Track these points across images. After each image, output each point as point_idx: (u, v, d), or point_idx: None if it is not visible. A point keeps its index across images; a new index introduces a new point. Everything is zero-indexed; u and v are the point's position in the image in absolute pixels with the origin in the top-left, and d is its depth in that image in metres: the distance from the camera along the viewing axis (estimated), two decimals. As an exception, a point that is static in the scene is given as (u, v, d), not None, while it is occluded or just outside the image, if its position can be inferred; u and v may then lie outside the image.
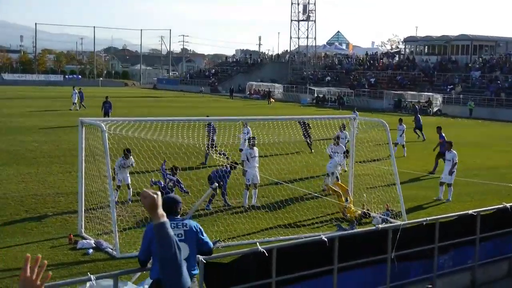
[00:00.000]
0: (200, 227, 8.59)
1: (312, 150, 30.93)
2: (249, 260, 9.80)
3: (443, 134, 27.43)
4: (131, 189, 19.87)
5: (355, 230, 14.59)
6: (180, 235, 8.25)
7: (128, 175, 20.14)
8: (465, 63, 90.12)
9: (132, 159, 20.31)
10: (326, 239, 10.41)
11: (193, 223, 8.55)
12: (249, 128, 28.30)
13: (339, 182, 20.89)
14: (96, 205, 17.21)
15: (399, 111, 76.65)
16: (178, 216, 8.62)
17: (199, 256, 9.06)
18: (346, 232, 13.02)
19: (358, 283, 11.17)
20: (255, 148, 21.28)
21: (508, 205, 13.57)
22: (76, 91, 59.30)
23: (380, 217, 18.39)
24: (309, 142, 30.84)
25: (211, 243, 8.59)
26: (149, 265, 8.51)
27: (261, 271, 9.86)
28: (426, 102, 76.20)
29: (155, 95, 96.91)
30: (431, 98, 76.74)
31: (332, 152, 23.18)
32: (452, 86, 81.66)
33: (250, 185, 20.56)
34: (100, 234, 15.96)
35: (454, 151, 22.25)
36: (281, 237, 16.17)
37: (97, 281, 8.11)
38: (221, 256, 9.85)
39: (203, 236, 8.47)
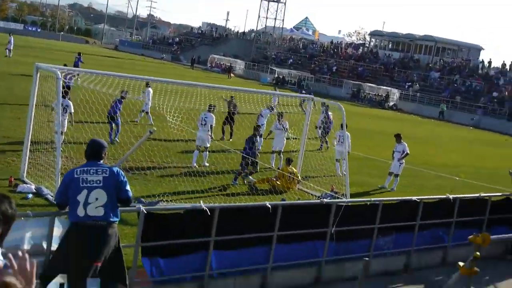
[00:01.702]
0: (123, 174, 8.31)
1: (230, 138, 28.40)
2: (189, 217, 9.74)
3: (405, 144, 22.72)
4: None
5: (299, 201, 14.65)
6: (98, 182, 8.06)
7: (66, 120, 20.08)
8: (426, 62, 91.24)
9: (70, 102, 20.32)
10: (269, 206, 10.42)
11: (114, 169, 8.28)
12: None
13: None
14: (42, 152, 16.88)
15: (356, 101, 77.31)
16: (101, 162, 8.37)
17: (140, 206, 8.96)
18: (289, 202, 13.03)
19: (295, 255, 11.21)
20: (210, 114, 21.71)
21: (451, 196, 13.79)
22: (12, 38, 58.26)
23: (323, 196, 18.49)
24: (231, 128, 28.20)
25: (130, 193, 8.32)
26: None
27: (201, 229, 9.81)
28: (384, 96, 76.92)
29: (116, 56, 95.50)
30: (388, 92, 77.50)
31: (277, 129, 23.44)
32: (410, 83, 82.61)
33: (200, 146, 21.15)
34: (43, 181, 15.66)
35: (404, 143, 22.46)
36: (225, 205, 16.09)
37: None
38: (163, 209, 9.79)
39: (123, 183, 8.21)
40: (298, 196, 18.30)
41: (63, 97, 19.52)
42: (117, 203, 8.20)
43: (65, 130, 19.84)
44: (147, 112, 28.04)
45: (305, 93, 54.98)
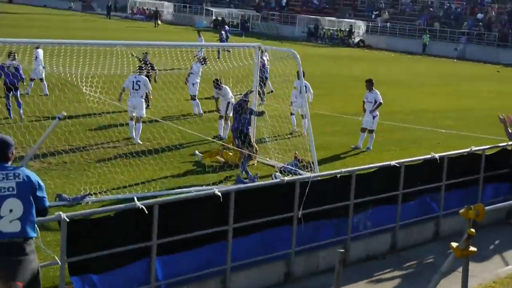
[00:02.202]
0: (38, 179, 8.19)
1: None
2: (124, 219, 9.72)
3: (377, 92, 22.88)
4: None
5: (255, 183, 14.72)
6: (10, 189, 7.90)
7: None
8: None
9: None
10: (220, 194, 10.45)
11: (28, 172, 8.15)
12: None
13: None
14: None
15: (314, 41, 77.53)
16: (9, 163, 8.22)
17: (61, 213, 8.90)
18: (244, 185, 13.10)
19: (257, 248, 11.31)
20: (142, 76, 22.18)
21: (437, 155, 14.02)
22: None
23: (285, 167, 18.62)
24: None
25: (47, 201, 8.22)
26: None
27: (139, 232, 9.81)
28: (347, 31, 77.25)
29: (11, 11, 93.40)
30: (352, 26, 77.86)
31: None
32: (377, 12, 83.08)
33: (133, 117, 21.43)
34: None
35: (376, 91, 22.61)
36: (166, 191, 16.12)
37: None
38: (89, 213, 9.73)
39: (40, 189, 8.10)
40: (256, 172, 18.36)
41: None
42: (34, 214, 8.08)
43: None
44: (41, 79, 27.80)
45: (224, 34, 55.81)
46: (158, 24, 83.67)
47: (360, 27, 78.23)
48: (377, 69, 49.22)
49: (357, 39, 76.70)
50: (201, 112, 26.25)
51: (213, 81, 22.71)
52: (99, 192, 15.81)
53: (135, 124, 21.50)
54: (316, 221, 12.02)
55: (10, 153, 8.24)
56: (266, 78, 28.24)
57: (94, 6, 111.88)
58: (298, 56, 19.35)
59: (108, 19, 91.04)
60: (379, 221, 13.20)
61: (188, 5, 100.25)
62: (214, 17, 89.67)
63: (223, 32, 50.87)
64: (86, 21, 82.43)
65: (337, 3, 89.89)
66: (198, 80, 27.11)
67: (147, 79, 22.57)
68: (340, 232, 12.49)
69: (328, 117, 26.57)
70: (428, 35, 72.45)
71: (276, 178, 16.83)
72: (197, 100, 26.55)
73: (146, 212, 9.58)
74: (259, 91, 27.20)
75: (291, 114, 23.87)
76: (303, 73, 21.51)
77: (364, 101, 22.79)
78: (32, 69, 27.10)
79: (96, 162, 18.48)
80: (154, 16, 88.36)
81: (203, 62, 27.83)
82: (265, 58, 27.96)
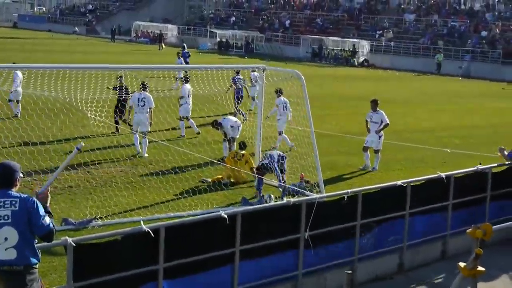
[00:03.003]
0: (37, 204, 8.11)
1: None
2: (131, 243, 9.71)
3: (382, 112, 22.81)
4: None
5: (263, 205, 14.69)
6: (5, 217, 7.93)
7: None
8: (397, 4, 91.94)
9: None
10: (226, 216, 10.45)
11: (26, 198, 8.11)
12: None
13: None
14: None
15: (319, 61, 77.71)
16: (13, 190, 8.20)
17: (67, 238, 8.89)
18: (251, 207, 13.09)
19: (265, 270, 11.29)
20: (147, 93, 23.07)
21: (443, 174, 14.02)
22: None
23: (291, 188, 18.61)
24: None
25: (49, 225, 8.09)
26: None
27: (146, 256, 9.80)
28: (350, 51, 77.35)
29: (16, 36, 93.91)
30: (356, 45, 78.02)
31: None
32: (381, 31, 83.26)
33: (138, 132, 22.36)
34: None
35: (382, 111, 22.58)
36: (172, 214, 16.11)
37: None
38: (95, 237, 9.72)
39: (36, 216, 8.01)
40: (269, 193, 18.33)
41: None
42: (34, 241, 8.09)
43: None
44: (18, 101, 28.21)
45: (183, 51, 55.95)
46: (162, 47, 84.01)
47: (364, 46, 78.34)
48: (382, 88, 49.28)
49: (361, 59, 76.81)
50: (197, 130, 26.56)
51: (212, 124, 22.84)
52: (105, 216, 15.81)
53: (140, 139, 22.26)
54: (323, 242, 11.99)
55: (15, 179, 8.26)
56: (242, 97, 29.67)
57: (99, 30, 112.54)
58: (302, 76, 19.40)
59: (113, 42, 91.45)
60: (386, 241, 13.17)
61: (192, 28, 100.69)
62: (218, 39, 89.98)
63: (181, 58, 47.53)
64: (92, 45, 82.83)
65: (341, 23, 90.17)
66: (189, 101, 26.89)
67: (150, 96, 23.06)
68: (347, 253, 12.46)
69: (333, 137, 26.56)
70: (442, 54, 71.64)
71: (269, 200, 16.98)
72: (191, 120, 26.66)
73: (153, 235, 9.58)
74: (236, 110, 27.64)
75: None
76: (281, 90, 22.06)
77: (367, 121, 22.74)
78: (8, 92, 27.25)
79: (101, 186, 18.48)
80: (158, 39, 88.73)
81: (185, 81, 27.93)
82: (240, 77, 29.86)
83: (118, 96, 24.18)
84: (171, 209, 16.64)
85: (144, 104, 22.63)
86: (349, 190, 12.78)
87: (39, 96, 21.22)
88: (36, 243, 8.23)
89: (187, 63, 50.96)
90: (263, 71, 20.82)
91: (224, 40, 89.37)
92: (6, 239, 7.85)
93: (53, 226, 8.20)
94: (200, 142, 24.14)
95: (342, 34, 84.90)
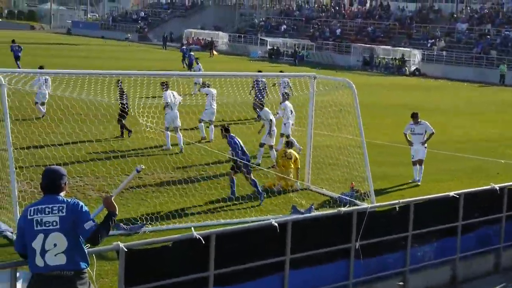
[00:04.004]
0: (82, 208, 8.14)
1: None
2: (181, 249, 9.76)
3: (426, 122, 22.50)
4: None
5: (312, 214, 14.67)
6: (54, 223, 7.96)
7: None
8: (449, 13, 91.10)
9: None
10: (276, 224, 10.43)
11: (73, 203, 8.15)
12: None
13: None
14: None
15: (369, 69, 77.32)
16: (62, 194, 8.25)
17: (119, 243, 8.96)
18: (302, 216, 13.06)
19: (314, 279, 11.25)
20: (175, 92, 24.70)
21: (497, 186, 13.82)
22: None
23: (341, 197, 18.56)
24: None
25: (92, 230, 8.06)
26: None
27: (196, 263, 9.83)
28: (401, 60, 76.80)
29: (70, 42, 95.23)
30: (405, 54, 77.37)
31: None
32: (433, 40, 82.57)
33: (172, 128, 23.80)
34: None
35: (424, 121, 22.18)
36: (222, 221, 16.15)
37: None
38: (146, 243, 9.78)
39: (82, 221, 8.04)
40: (312, 202, 18.29)
41: None
42: (83, 246, 8.16)
43: None
44: (43, 103, 28.53)
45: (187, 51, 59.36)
46: (213, 54, 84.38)
47: (416, 55, 77.69)
48: (433, 98, 48.86)
49: (412, 68, 76.21)
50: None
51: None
52: (156, 222, 15.92)
53: (175, 134, 23.68)
54: (374, 252, 11.91)
55: (62, 184, 8.32)
56: (263, 101, 29.11)
57: (151, 37, 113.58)
58: (353, 85, 19.34)
59: (164, 49, 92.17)
60: (438, 252, 13.03)
61: (243, 35, 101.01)
62: (268, 47, 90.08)
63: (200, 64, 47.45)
64: (143, 52, 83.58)
65: (392, 31, 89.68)
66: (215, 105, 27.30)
67: (176, 92, 24.87)
68: (399, 263, 12.35)
69: (384, 147, 26.38)
70: (505, 65, 69.58)
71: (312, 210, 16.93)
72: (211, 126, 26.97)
73: (203, 242, 9.60)
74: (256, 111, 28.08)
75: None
76: (288, 94, 24.04)
77: (406, 134, 22.36)
78: (35, 93, 27.67)
79: (153, 191, 18.62)
80: (209, 46, 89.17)
81: (207, 86, 28.28)
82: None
83: (119, 101, 24.24)
84: (222, 216, 16.69)
85: (176, 99, 24.20)
86: (400, 200, 12.68)
87: (92, 102, 21.44)
88: (88, 248, 8.32)
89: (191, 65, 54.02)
90: (314, 79, 20.79)
91: (275, 47, 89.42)
92: (55, 245, 7.91)
93: (99, 230, 8.14)
94: (250, 150, 24.15)
95: (393, 43, 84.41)
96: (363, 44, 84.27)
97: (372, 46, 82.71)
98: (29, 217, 8.02)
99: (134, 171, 9.06)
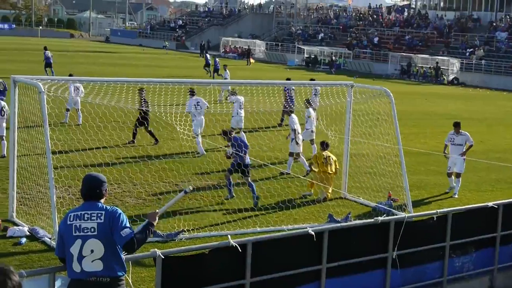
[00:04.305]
0: (120, 215, 8.19)
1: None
2: (218, 256, 9.77)
3: (466, 133, 21.91)
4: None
5: (349, 223, 14.63)
6: (92, 230, 8.05)
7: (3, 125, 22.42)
8: (489, 21, 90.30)
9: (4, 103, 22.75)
10: (313, 233, 10.42)
11: (111, 210, 8.24)
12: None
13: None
14: (33, 183, 17.04)
15: (407, 78, 76.90)
16: (102, 201, 8.34)
17: (156, 250, 9.01)
18: (338, 224, 13.03)
19: (351, 288, 11.21)
20: (200, 98, 25.73)
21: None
22: None
23: (380, 206, 18.48)
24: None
25: (129, 237, 8.09)
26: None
27: (232, 271, 9.85)
28: (437, 69, 76.15)
29: (108, 50, 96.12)
30: (443, 63, 76.72)
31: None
32: (472, 49, 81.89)
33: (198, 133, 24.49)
34: (36, 220, 15.83)
35: (466, 132, 21.88)
36: (258, 229, 16.16)
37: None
38: (183, 250, 9.81)
39: (118, 227, 8.09)
40: (349, 211, 18.22)
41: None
42: (120, 253, 8.23)
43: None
44: (77, 109, 28.84)
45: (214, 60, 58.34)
46: (250, 62, 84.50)
47: (454, 64, 77.11)
48: (472, 107, 48.45)
49: (451, 77, 75.66)
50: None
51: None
52: (193, 229, 15.98)
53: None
54: (411, 262, 11.84)
55: (103, 191, 8.41)
56: (292, 107, 29.56)
57: (188, 45, 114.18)
58: (391, 94, 19.27)
59: (201, 57, 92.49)
60: (477, 263, 12.91)
61: (280, 44, 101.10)
62: (306, 55, 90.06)
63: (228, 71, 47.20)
64: (181, 60, 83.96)
65: (430, 40, 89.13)
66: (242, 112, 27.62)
67: (202, 98, 25.67)
68: (436, 273, 12.26)
69: (421, 156, 26.22)
70: None
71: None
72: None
73: (240, 250, 9.62)
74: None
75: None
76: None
77: (446, 144, 21.99)
78: (67, 99, 27.77)
79: (189, 199, 18.68)
80: (246, 54, 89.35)
81: (235, 93, 28.55)
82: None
83: (139, 109, 24.33)
84: (259, 224, 16.70)
85: (201, 107, 24.87)
86: (438, 210, 12.60)
87: (130, 110, 21.63)
88: (125, 254, 8.38)
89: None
90: (351, 88, 20.76)
91: (312, 55, 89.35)
92: (92, 251, 7.99)
93: (135, 238, 8.16)
94: (286, 158, 24.15)
95: (431, 52, 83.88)
96: (401, 53, 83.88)
97: (410, 54, 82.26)
98: (68, 222, 8.12)
99: (182, 192, 9.08)
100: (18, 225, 15.58)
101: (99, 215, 8.13)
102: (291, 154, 22.78)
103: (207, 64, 61.84)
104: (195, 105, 24.87)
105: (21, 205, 16.60)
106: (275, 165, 22.45)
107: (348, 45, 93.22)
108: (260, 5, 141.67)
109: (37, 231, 15.11)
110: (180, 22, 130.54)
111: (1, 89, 27.26)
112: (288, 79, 35.02)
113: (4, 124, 22.45)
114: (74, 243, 8.01)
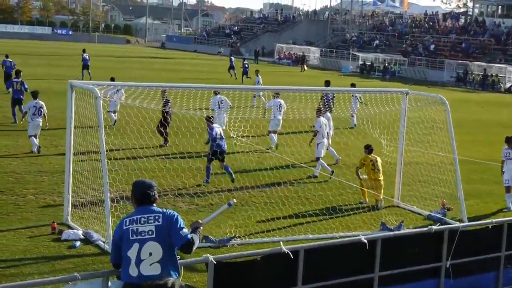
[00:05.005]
0: (178, 217, 8.31)
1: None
2: (270, 263, 9.77)
3: None
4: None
5: (402, 231, 14.51)
6: (150, 232, 8.11)
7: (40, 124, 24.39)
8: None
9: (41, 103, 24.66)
10: (366, 241, 10.35)
11: (169, 213, 8.33)
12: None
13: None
14: (87, 187, 17.24)
15: (463, 86, 76.06)
16: (155, 205, 8.44)
17: (208, 256, 9.04)
18: (391, 232, 12.93)
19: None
20: (223, 96, 27.00)
21: None
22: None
23: (434, 215, 18.31)
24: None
25: (187, 237, 8.19)
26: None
27: (284, 278, 9.83)
28: (497, 77, 75.14)
29: (163, 56, 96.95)
30: (502, 71, 75.72)
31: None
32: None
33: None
34: (90, 224, 16.01)
35: None
36: (310, 236, 16.11)
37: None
38: (235, 256, 9.83)
39: (177, 227, 8.18)
40: (402, 219, 18.06)
41: (35, 97, 24.87)
42: (176, 257, 8.28)
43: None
44: (115, 112, 29.82)
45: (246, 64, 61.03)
46: (304, 68, 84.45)
47: (511, 72, 76.09)
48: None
49: (508, 85, 74.61)
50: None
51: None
52: (245, 235, 15.99)
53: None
54: (465, 272, 11.69)
55: (155, 196, 8.50)
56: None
57: (243, 51, 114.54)
58: (446, 101, 19.08)
59: (256, 63, 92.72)
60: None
61: (334, 50, 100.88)
62: (360, 62, 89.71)
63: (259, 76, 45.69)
64: (235, 65, 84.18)
65: (487, 47, 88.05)
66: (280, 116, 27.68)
67: (226, 98, 27.21)
68: (490, 284, 12.09)
69: (476, 164, 25.90)
70: None
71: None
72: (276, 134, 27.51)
73: (292, 256, 9.60)
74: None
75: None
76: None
77: (503, 160, 20.93)
78: (108, 102, 28.31)
79: (242, 205, 18.70)
80: (300, 61, 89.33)
81: (277, 96, 28.64)
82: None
83: (162, 109, 24.43)
84: (310, 231, 16.64)
85: (224, 106, 26.57)
86: (493, 220, 12.42)
87: (184, 115, 21.76)
88: (178, 259, 8.43)
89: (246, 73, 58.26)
90: (406, 95, 20.59)
91: (367, 63, 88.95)
92: (150, 254, 8.04)
93: (192, 239, 8.26)
94: (339, 165, 24.05)
95: (488, 59, 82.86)
96: (457, 60, 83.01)
97: (466, 62, 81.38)
98: (124, 227, 8.21)
99: (225, 204, 9.12)
100: (73, 229, 15.76)
101: (157, 217, 8.20)
102: (317, 158, 22.91)
103: (231, 67, 63.69)
104: (218, 102, 26.66)
105: (75, 208, 16.80)
106: (329, 171, 22.35)
107: (403, 52, 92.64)
108: (315, 11, 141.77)
109: (91, 234, 15.28)
110: (235, 28, 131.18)
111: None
112: (327, 82, 35.05)
113: (41, 124, 24.52)
114: (131, 247, 8.08)
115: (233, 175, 20.58)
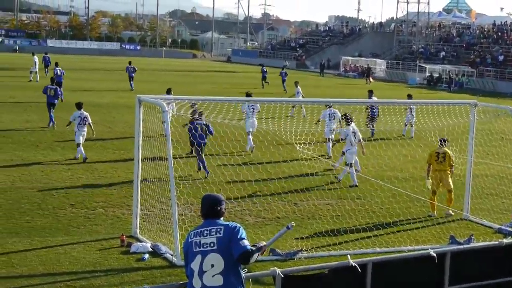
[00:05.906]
0: (239, 228, 8.32)
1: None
2: (337, 276, 9.74)
3: None
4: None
5: (472, 245, 14.30)
6: (212, 244, 8.17)
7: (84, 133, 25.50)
8: None
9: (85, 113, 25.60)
10: (435, 254, 10.25)
11: (231, 225, 8.35)
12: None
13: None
14: (155, 200, 17.44)
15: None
16: (221, 219, 8.47)
17: (276, 269, 9.05)
18: (461, 246, 12.76)
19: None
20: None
21: None
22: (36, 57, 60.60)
23: (504, 229, 18.02)
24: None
25: (246, 247, 8.15)
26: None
27: (352, 291, 9.80)
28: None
29: (229, 70, 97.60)
30: None
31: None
32: None
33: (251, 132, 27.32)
34: (158, 237, 16.17)
35: None
36: (378, 249, 15.99)
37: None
38: (302, 269, 9.83)
39: (236, 237, 8.18)
40: (472, 232, 17.80)
41: (79, 108, 25.77)
42: (239, 269, 8.29)
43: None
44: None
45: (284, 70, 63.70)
46: (370, 81, 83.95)
47: None
48: None
49: None
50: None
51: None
52: (311, 248, 15.96)
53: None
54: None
55: (222, 209, 8.54)
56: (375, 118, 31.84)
57: (308, 64, 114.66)
58: (515, 113, 18.80)
59: (321, 76, 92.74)
60: None
61: (401, 62, 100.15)
62: (427, 74, 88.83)
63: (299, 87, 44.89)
64: (301, 79, 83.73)
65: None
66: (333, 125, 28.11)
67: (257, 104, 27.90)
68: None
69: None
70: None
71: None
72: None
73: (359, 270, 9.56)
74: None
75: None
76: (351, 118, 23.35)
77: None
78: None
79: (308, 218, 18.68)
80: (366, 73, 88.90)
81: (329, 106, 28.59)
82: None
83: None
84: (378, 244, 16.52)
85: (254, 110, 27.63)
86: None
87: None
88: (245, 272, 8.46)
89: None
90: (475, 107, 20.32)
91: (435, 75, 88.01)
92: (212, 265, 8.10)
93: (251, 250, 8.21)
94: (407, 178, 23.82)
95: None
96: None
97: (537, 72, 79.91)
98: (189, 240, 8.32)
99: (285, 227, 9.11)
100: (141, 241, 15.95)
101: (219, 230, 8.26)
102: (350, 164, 22.89)
103: (263, 77, 67.72)
104: (249, 106, 27.56)
105: (144, 221, 17.00)
106: (396, 184, 22.17)
107: (471, 63, 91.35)
108: (380, 23, 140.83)
109: (159, 247, 15.44)
110: (301, 41, 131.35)
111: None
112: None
113: (85, 133, 25.65)
114: (194, 259, 8.17)
115: (207, 171, 22.41)
